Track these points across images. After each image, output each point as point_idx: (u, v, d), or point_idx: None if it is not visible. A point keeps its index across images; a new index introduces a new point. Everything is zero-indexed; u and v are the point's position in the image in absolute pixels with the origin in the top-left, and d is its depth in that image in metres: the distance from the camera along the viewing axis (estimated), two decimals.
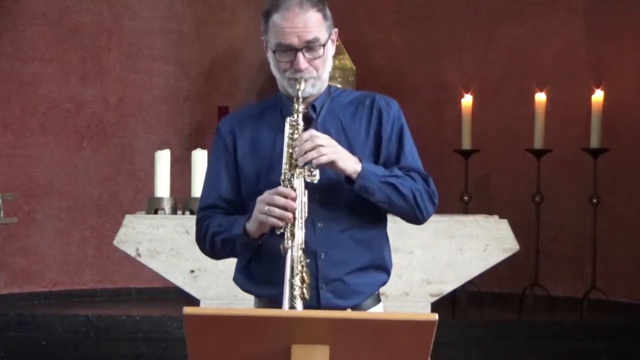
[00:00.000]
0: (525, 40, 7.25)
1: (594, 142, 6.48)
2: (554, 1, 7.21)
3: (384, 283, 2.81)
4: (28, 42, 7.03)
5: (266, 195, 2.57)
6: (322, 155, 2.57)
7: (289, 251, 2.51)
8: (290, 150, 2.60)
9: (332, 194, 2.68)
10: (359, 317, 2.43)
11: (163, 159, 5.32)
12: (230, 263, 2.85)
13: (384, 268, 2.80)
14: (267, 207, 2.54)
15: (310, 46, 2.66)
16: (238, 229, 2.66)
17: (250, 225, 2.63)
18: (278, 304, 2.56)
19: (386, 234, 2.83)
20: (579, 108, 6.83)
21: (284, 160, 2.61)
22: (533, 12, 7.24)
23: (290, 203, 2.53)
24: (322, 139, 2.60)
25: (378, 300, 2.81)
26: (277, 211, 2.53)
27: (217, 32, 7.58)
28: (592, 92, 6.56)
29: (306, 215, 2.56)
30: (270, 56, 2.72)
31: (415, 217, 2.72)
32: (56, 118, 7.12)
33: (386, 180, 2.65)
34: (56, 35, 7.12)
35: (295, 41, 2.65)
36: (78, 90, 7.18)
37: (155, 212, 5.18)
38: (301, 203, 2.55)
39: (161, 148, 5.53)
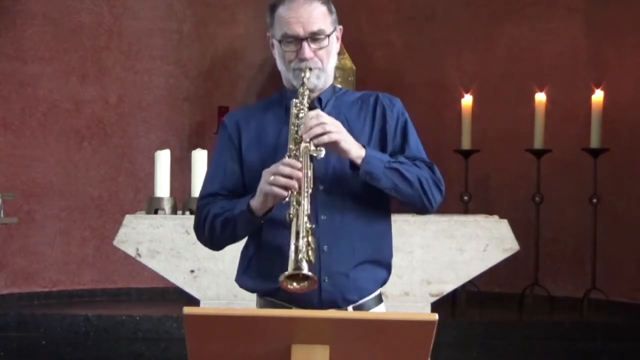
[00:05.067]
0: (525, 40, 7.24)
1: (594, 142, 6.48)
2: (554, 1, 7.21)
3: (384, 281, 2.80)
4: (28, 42, 7.03)
5: (272, 166, 2.57)
6: (326, 132, 2.57)
7: (295, 218, 2.49)
8: (295, 129, 2.61)
9: (336, 185, 2.69)
10: (359, 317, 2.43)
11: (163, 159, 5.32)
12: (230, 262, 2.84)
13: (383, 263, 2.78)
14: (272, 177, 2.54)
15: (315, 37, 2.69)
16: (242, 206, 2.65)
17: (255, 201, 2.62)
18: (279, 304, 2.55)
19: (390, 229, 2.82)
20: (579, 108, 6.83)
21: (289, 138, 2.61)
22: (533, 12, 7.23)
23: (295, 172, 2.52)
24: (328, 118, 2.61)
25: (380, 301, 2.81)
26: (283, 180, 2.52)
27: (217, 32, 7.58)
28: (592, 92, 6.55)
29: (312, 187, 2.54)
30: (276, 49, 2.75)
31: (423, 204, 2.71)
32: (56, 118, 7.11)
33: (390, 165, 2.65)
34: (56, 35, 7.12)
35: (300, 31, 2.68)
36: (78, 90, 7.18)
37: (155, 212, 5.18)
38: (306, 176, 2.53)
39: (161, 148, 5.53)
